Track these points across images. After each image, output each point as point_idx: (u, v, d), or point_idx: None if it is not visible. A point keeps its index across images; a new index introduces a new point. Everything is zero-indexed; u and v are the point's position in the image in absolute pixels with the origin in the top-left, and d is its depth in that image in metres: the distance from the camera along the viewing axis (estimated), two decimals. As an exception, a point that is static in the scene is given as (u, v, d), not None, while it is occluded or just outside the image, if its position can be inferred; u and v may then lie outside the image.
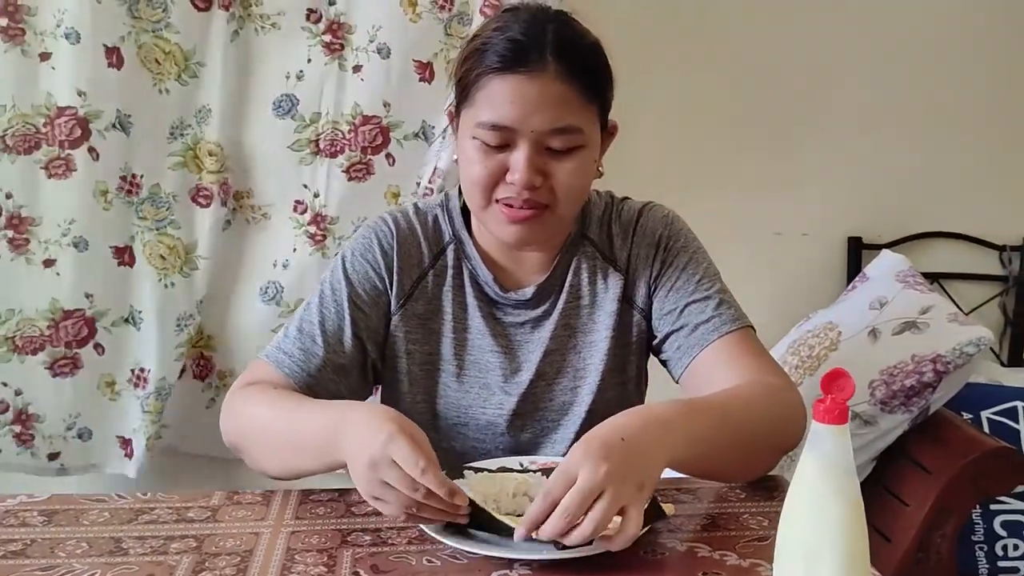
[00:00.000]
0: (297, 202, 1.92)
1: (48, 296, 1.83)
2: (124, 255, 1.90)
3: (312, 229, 1.91)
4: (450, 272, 1.17)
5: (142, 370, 1.91)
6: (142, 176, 1.88)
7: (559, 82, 1.02)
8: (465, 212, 1.19)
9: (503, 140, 1.03)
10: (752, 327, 1.15)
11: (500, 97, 1.02)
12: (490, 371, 1.16)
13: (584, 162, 1.07)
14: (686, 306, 1.14)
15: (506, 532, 0.88)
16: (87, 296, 1.85)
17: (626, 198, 1.25)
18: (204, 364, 1.99)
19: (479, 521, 0.91)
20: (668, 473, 1.22)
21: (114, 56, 1.80)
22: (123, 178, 1.87)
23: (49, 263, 1.82)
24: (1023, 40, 2.08)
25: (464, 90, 1.07)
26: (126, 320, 1.91)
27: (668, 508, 0.95)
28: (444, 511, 0.88)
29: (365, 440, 0.89)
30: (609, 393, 1.17)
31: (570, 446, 1.03)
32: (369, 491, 0.89)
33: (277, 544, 0.92)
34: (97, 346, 1.89)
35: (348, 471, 0.94)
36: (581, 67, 1.04)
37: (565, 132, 1.04)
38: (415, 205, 1.22)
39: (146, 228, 1.89)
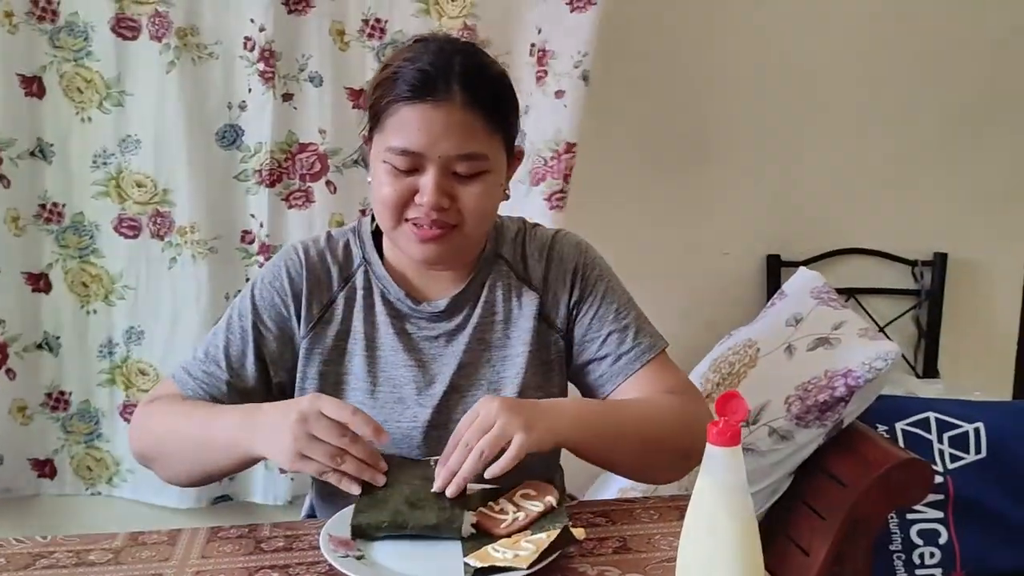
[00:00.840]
0: (245, 232, 1.90)
1: None
2: (39, 282, 1.88)
3: (261, 259, 1.89)
4: (360, 293, 1.21)
5: (62, 393, 1.91)
6: (64, 204, 1.85)
7: (465, 110, 1.07)
8: (376, 235, 1.23)
9: (412, 165, 1.09)
10: (666, 345, 1.23)
11: (409, 124, 1.07)
12: (403, 385, 1.18)
13: (490, 186, 1.13)
14: (608, 336, 1.21)
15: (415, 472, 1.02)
16: None
17: (536, 224, 1.30)
18: None
19: (395, 475, 1.02)
20: (589, 495, 1.24)
21: (34, 85, 1.78)
22: (42, 205, 1.84)
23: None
24: (931, 60, 2.15)
25: (376, 116, 1.12)
26: (39, 346, 1.89)
27: (579, 532, 0.96)
28: (367, 464, 0.99)
29: (290, 406, 1.00)
30: None
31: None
32: (296, 448, 0.97)
33: (180, 585, 0.91)
34: (9, 371, 1.86)
35: (266, 459, 1.05)
36: (486, 96, 1.10)
37: (470, 158, 1.09)
38: (328, 233, 1.26)
39: (68, 256, 1.87)
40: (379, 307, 1.20)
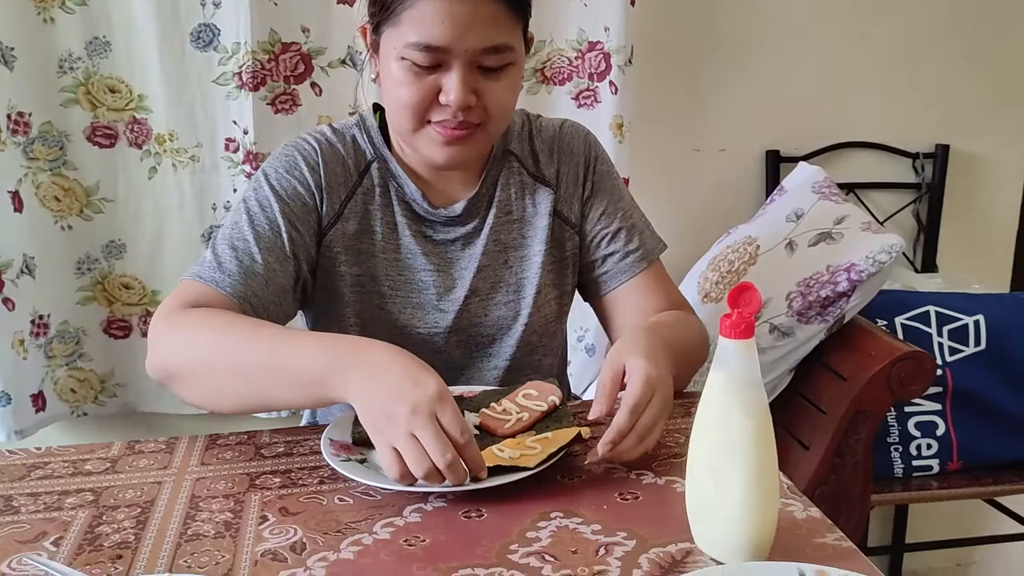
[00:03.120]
0: (228, 140, 1.81)
1: None
2: (15, 200, 1.76)
3: (247, 168, 1.81)
4: (377, 191, 1.15)
5: (41, 317, 1.82)
6: (30, 114, 1.77)
7: (490, 0, 1.00)
8: (383, 130, 1.17)
9: (434, 61, 1.01)
10: (665, 247, 1.26)
11: (431, 17, 0.99)
12: (424, 290, 1.15)
13: (514, 78, 1.08)
14: (616, 232, 1.21)
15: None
16: None
17: (540, 115, 1.26)
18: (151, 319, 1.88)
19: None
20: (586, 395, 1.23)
21: (-12, -16, 1.67)
22: (9, 116, 1.75)
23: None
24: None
25: (386, 8, 1.02)
26: (23, 270, 1.80)
27: (584, 431, 0.95)
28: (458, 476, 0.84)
29: (405, 387, 0.83)
30: (548, 308, 1.21)
31: (509, 360, 1.16)
32: (390, 439, 0.83)
33: (180, 492, 0.89)
34: (6, 301, 1.75)
35: (356, 411, 0.89)
36: None
37: (498, 51, 1.03)
38: (331, 126, 1.19)
39: (38, 169, 1.78)
40: (396, 207, 1.15)
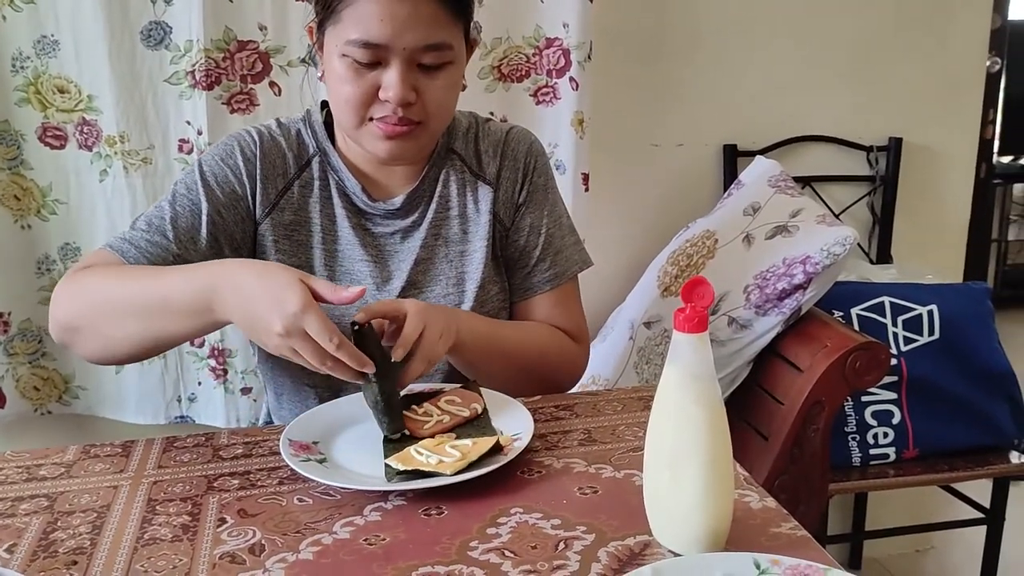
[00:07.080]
0: (182, 141, 1.79)
1: None
2: None
3: None
4: (317, 183, 1.18)
5: (0, 315, 1.80)
6: None
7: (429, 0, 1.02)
8: (328, 125, 1.20)
9: (375, 58, 1.03)
10: (584, 268, 1.27)
11: (370, 15, 1.01)
12: (361, 280, 1.17)
13: (454, 77, 1.09)
14: (535, 247, 1.23)
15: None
16: None
17: (488, 119, 1.28)
18: None
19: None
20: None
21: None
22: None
23: None
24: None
25: (328, 6, 1.04)
26: None
27: (503, 439, 0.94)
28: (351, 369, 0.92)
29: (273, 306, 0.89)
30: (491, 303, 1.22)
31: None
32: (279, 352, 0.91)
33: (137, 496, 0.88)
34: None
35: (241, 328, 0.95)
36: None
37: (437, 48, 1.04)
38: (277, 120, 1.21)
39: None
40: (336, 199, 1.18)
